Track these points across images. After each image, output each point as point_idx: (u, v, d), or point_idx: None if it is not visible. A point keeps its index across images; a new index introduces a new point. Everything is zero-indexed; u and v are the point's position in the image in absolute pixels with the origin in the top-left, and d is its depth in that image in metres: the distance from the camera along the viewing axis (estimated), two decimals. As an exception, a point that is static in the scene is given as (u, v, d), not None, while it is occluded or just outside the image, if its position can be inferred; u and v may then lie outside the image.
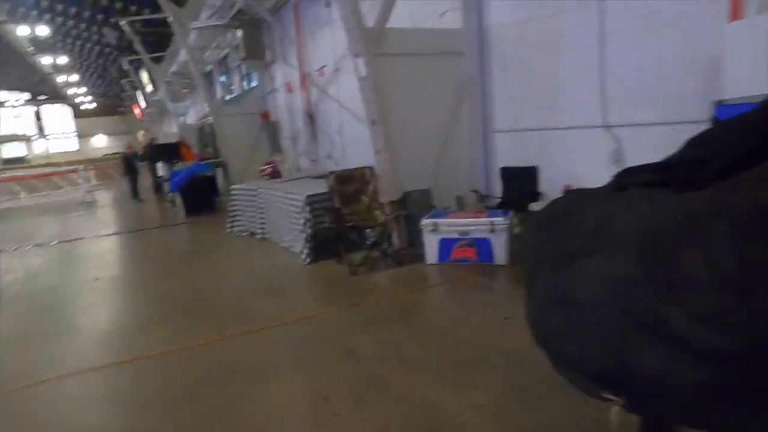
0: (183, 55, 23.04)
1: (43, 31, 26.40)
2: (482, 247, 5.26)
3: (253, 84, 16.94)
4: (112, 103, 48.32)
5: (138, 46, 21.28)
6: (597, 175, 5.32)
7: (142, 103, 32.66)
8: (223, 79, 20.22)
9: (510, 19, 6.19)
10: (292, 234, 6.57)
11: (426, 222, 5.51)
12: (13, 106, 49.91)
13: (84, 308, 5.35)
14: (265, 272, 5.96)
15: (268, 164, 8.61)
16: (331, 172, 6.10)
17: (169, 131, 27.34)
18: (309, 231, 6.07)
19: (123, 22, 21.01)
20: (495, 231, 5.18)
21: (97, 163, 22.45)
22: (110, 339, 4.45)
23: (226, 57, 19.33)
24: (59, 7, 24.55)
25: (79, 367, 3.79)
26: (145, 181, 15.83)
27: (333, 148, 11.27)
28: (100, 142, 52.67)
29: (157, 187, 15.05)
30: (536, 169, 6.02)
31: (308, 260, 6.08)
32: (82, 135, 52.97)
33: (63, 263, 7.75)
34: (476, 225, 5.26)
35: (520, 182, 6.11)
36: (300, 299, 5.01)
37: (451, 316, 4.13)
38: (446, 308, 4.35)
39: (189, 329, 4.35)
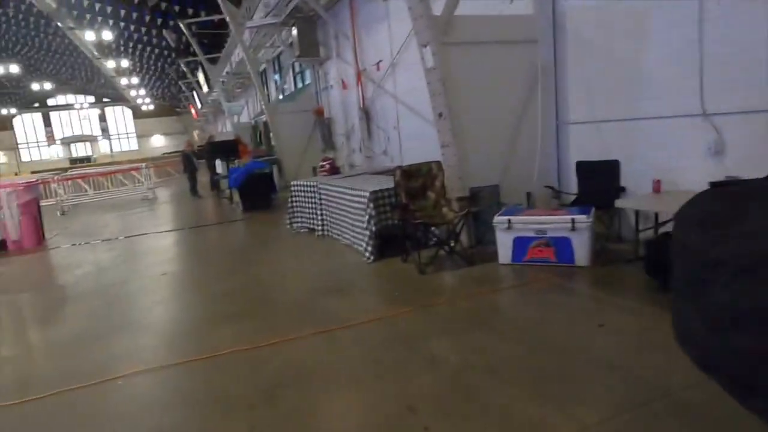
0: (237, 55, 23.55)
1: (107, 36, 27.61)
2: (561, 246, 4.88)
3: (307, 81, 16.98)
4: (170, 104, 50.15)
5: (195, 47, 21.77)
6: (693, 168, 4.91)
7: (198, 104, 33.62)
8: (276, 77, 20.41)
9: (588, 1, 5.75)
10: (355, 231, 6.38)
11: (499, 219, 5.17)
12: (80, 109, 52.69)
13: (153, 304, 5.35)
14: (330, 270, 5.79)
15: (326, 160, 8.49)
16: (398, 167, 5.85)
17: (223, 130, 28.01)
18: (373, 228, 5.86)
19: (181, 25, 21.59)
20: (576, 229, 4.78)
21: (156, 162, 23.20)
22: (181, 336, 4.38)
23: (279, 55, 19.49)
24: (122, 12, 25.62)
25: (151, 364, 3.72)
26: (203, 178, 16.17)
27: (389, 144, 11.06)
28: (158, 141, 54.79)
29: (215, 183, 15.33)
30: (617, 162, 5.56)
31: (372, 258, 5.87)
32: (142, 135, 55.32)
33: (129, 258, 7.90)
34: (555, 223, 4.88)
35: (599, 177, 5.67)
36: (369, 299, 4.80)
37: (536, 321, 3.80)
38: (529, 313, 4.01)
39: (259, 328, 4.22)
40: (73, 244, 9.34)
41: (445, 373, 3.14)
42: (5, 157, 50.34)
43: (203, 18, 22.10)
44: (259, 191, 10.98)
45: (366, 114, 11.83)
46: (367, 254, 5.92)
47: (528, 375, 3.00)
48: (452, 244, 5.55)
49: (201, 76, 26.78)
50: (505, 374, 3.04)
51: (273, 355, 3.67)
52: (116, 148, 54.67)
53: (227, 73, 24.62)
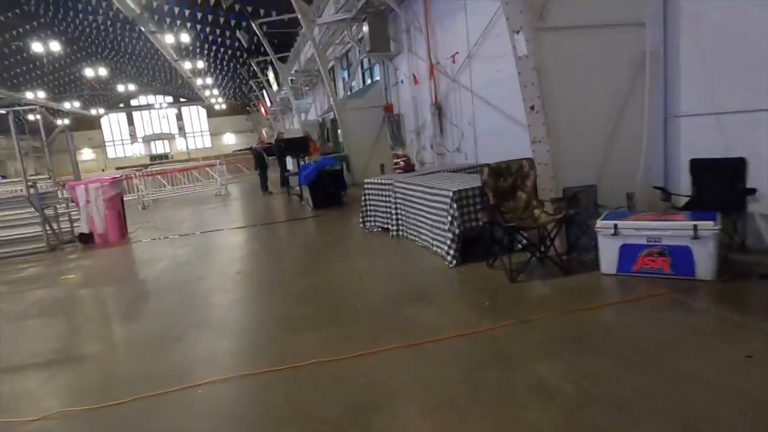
0: (306, 53, 23.74)
1: (185, 38, 28.80)
2: (679, 256, 4.24)
3: (376, 78, 16.75)
4: (240, 103, 51.95)
5: (266, 46, 22.17)
6: None
7: (268, 102, 34.43)
8: (344, 74, 20.37)
9: (710, -24, 5.01)
10: (434, 232, 5.98)
11: (604, 223, 4.59)
12: (160, 108, 55.74)
13: (231, 303, 5.21)
14: (409, 273, 5.43)
15: (400, 157, 8.16)
16: (485, 165, 5.38)
17: (291, 127, 28.47)
18: (456, 230, 5.43)
19: (254, 25, 22.04)
20: (699, 237, 4.12)
21: (228, 159, 23.88)
22: (259, 341, 4.17)
23: (348, 52, 19.42)
24: (198, 15, 26.61)
25: (230, 372, 3.50)
26: (273, 174, 16.35)
27: (463, 141, 10.56)
28: (229, 139, 56.95)
29: (285, 180, 15.44)
30: (743, 161, 4.80)
31: (454, 262, 5.45)
32: (214, 133, 57.73)
33: (205, 254, 7.93)
34: (674, 229, 4.24)
35: (720, 178, 4.93)
36: (457, 309, 4.38)
37: (663, 346, 3.23)
38: (651, 335, 3.44)
39: (340, 336, 3.92)
40: (153, 239, 9.58)
41: (560, 405, 2.67)
42: (94, 154, 54.18)
43: (274, 18, 22.48)
44: (330, 188, 10.83)
45: (438, 109, 11.38)
46: (449, 258, 5.50)
47: (668, 416, 2.48)
48: (545, 250, 5.02)
49: (271, 75, 27.33)
50: (638, 412, 2.53)
51: (357, 369, 3.34)
52: (191, 146, 57.41)
53: (296, 71, 24.93)
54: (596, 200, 5.45)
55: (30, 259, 8.90)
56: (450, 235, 5.49)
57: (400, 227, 7.20)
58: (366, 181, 7.90)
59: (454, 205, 5.44)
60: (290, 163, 13.06)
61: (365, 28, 13.49)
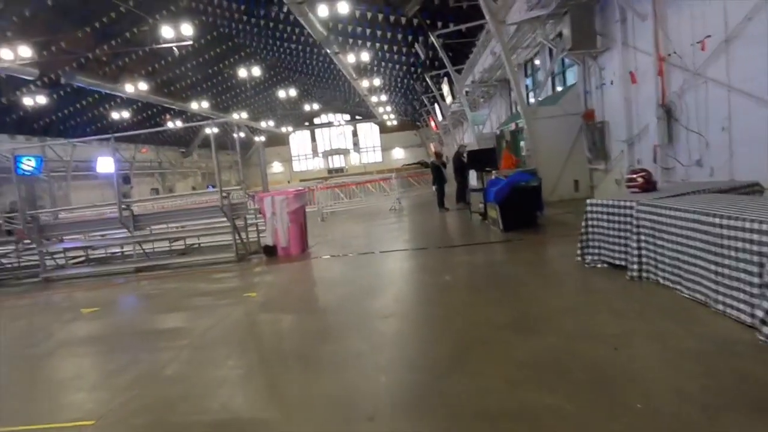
0: (483, 63, 22.34)
1: (364, 57, 29.68)
2: None
3: (569, 83, 14.56)
4: (410, 118, 52.77)
5: (444, 58, 21.30)
6: None
7: (439, 116, 33.82)
8: (528, 82, 18.42)
9: None
10: (725, 283, 3.93)
11: None
12: (338, 125, 59.62)
13: (433, 366, 3.82)
14: (699, 352, 3.47)
15: (636, 172, 6.11)
16: None
17: (463, 141, 27.23)
18: (784, 288, 3.35)
19: (432, 39, 21.38)
20: None
21: (400, 173, 23.54)
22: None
23: (534, 57, 17.46)
24: (378, 33, 27.07)
25: None
26: (448, 189, 15.13)
27: (707, 151, 7.99)
28: (398, 154, 58.24)
29: (462, 196, 14.11)
30: None
31: (778, 339, 3.37)
32: (385, 148, 59.68)
33: (387, 281, 6.86)
34: None
35: None
36: None
37: None
38: None
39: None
40: (332, 255, 8.94)
41: None
42: (282, 167, 59.98)
43: (451, 29, 21.58)
44: (524, 208, 9.10)
45: (667, 112, 8.91)
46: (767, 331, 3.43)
47: None
48: None
49: (445, 88, 26.49)
50: None
51: None
52: (364, 160, 60.15)
53: (471, 82, 23.66)
54: None
55: (220, 268, 8.88)
56: (770, 294, 3.43)
57: (644, 266, 5.20)
58: (590, 202, 6.03)
59: (782, 248, 3.37)
60: (473, 177, 11.70)
61: (565, 23, 11.50)
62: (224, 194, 9.04)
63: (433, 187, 15.33)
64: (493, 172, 10.82)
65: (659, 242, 4.96)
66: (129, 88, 27.77)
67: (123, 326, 6.03)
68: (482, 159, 11.81)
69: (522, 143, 15.65)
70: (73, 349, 5.26)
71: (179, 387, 3.87)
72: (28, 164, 28.40)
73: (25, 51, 20.50)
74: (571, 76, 14.87)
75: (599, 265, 5.90)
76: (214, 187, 34.49)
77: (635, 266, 5.27)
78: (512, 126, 18.12)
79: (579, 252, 6.14)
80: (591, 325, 4.19)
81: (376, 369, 3.83)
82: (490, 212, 10.27)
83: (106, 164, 34.51)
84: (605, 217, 5.80)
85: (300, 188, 11.92)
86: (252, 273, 8.36)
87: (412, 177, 27.07)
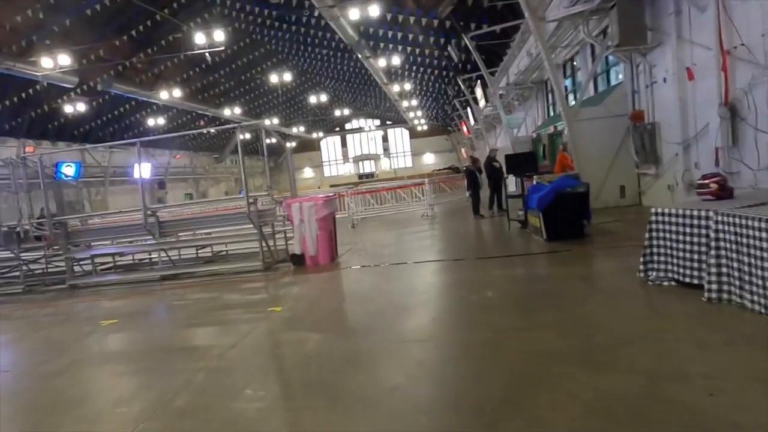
0: (518, 65, 21.53)
1: (395, 61, 29.20)
2: None
3: (613, 82, 13.67)
4: (441, 123, 52.03)
5: (477, 59, 20.56)
6: None
7: (471, 120, 33.03)
8: (567, 83, 17.52)
9: None
10: None
11: None
12: (368, 131, 59.37)
13: (483, 402, 3.23)
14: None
15: (709, 177, 5.34)
16: None
17: (496, 145, 26.37)
18: None
19: (465, 40, 20.70)
20: None
21: (433, 178, 22.85)
22: None
23: (573, 57, 16.58)
24: (410, 36, 26.54)
25: None
26: (483, 195, 14.40)
27: (783, 154, 7.09)
28: (429, 159, 57.53)
29: (492, 202, 13.39)
30: None
31: None
32: (415, 153, 59.10)
33: (423, 297, 6.24)
34: None
35: None
36: None
37: None
38: None
39: None
40: (362, 266, 8.39)
41: None
42: (313, 173, 60.11)
43: (484, 30, 20.84)
44: (569, 216, 8.34)
45: (732, 111, 8.03)
46: None
47: None
48: None
49: (479, 91, 25.73)
50: None
51: None
52: (394, 165, 59.69)
53: (506, 84, 22.84)
54: None
55: (245, 278, 8.45)
56: None
57: (725, 287, 4.44)
58: (655, 211, 5.27)
59: None
60: (512, 182, 10.95)
61: (612, 18, 10.69)
62: (251, 200, 8.62)
63: (467, 193, 14.65)
64: (535, 177, 10.07)
65: (745, 259, 4.20)
66: (164, 95, 28.09)
67: (139, 342, 5.61)
68: (522, 163, 11.06)
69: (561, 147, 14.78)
70: (82, 370, 4.85)
71: (188, 423, 3.36)
72: (69, 170, 28.99)
73: (65, 59, 20.88)
74: (616, 76, 13.96)
75: (666, 283, 5.14)
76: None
77: (714, 286, 4.50)
78: (550, 129, 17.25)
79: (641, 267, 5.39)
80: (672, 360, 3.47)
81: (413, 408, 3.23)
82: (531, 220, 9.53)
83: (142, 170, 35.17)
84: (674, 228, 5.04)
85: (329, 194, 11.44)
86: (278, 284, 7.89)
87: (444, 182, 26.36)
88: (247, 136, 36.23)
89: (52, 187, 9.74)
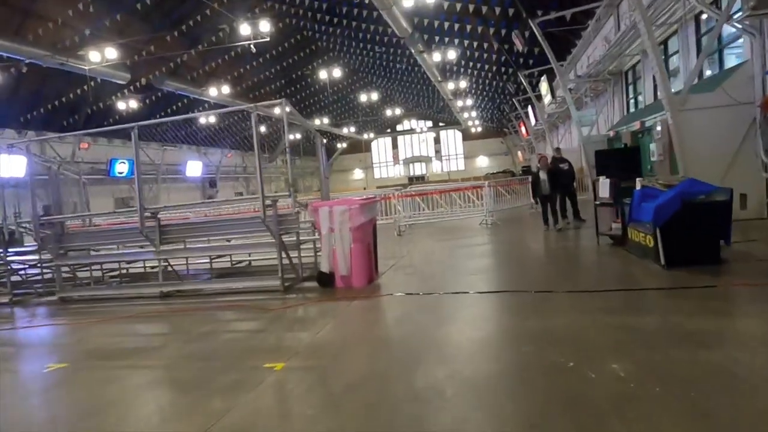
0: (591, 55, 18.68)
1: (451, 55, 26.79)
2: None
3: (729, 64, 10.75)
4: (496, 125, 48.97)
5: (546, 49, 17.84)
6: None
7: (532, 120, 30.05)
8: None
9: None
10: None
11: None
12: (420, 132, 57.05)
13: None
14: None
15: None
16: None
17: (559, 146, 23.41)
18: None
19: (532, 26, 18.03)
20: None
21: (494, 181, 20.25)
22: None
23: (666, 39, 13.64)
24: (468, 27, 24.02)
25: None
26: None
27: None
28: (482, 162, 54.43)
29: (564, 210, 10.80)
30: None
31: None
32: (468, 156, 56.16)
33: (501, 360, 3.96)
34: None
35: None
36: None
37: None
38: None
39: None
40: (408, 293, 6.16)
41: None
42: (363, 174, 58.42)
43: (552, 16, 18.07)
44: (700, 234, 5.78)
45: None
46: None
47: None
48: None
49: (544, 86, 22.87)
50: None
51: None
52: (445, 168, 57.06)
53: (577, 76, 19.97)
54: None
55: (258, 301, 6.44)
56: None
57: None
58: None
59: None
60: (604, 187, 8.40)
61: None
62: (268, 202, 6.62)
63: (532, 200, 12.09)
64: (641, 179, 7.48)
65: None
66: (213, 92, 27.10)
67: (63, 416, 3.66)
68: (619, 162, 8.45)
69: (652, 147, 11.88)
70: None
71: None
72: (122, 167, 28.49)
73: (114, 54, 20.10)
74: (731, 57, 11.01)
75: None
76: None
77: None
78: (635, 125, 14.33)
79: None
80: None
81: None
82: (634, 236, 6.98)
83: (194, 168, 34.61)
84: None
85: (369, 196, 9.31)
86: (292, 318, 5.81)
87: (502, 186, 23.69)
88: (298, 136, 34.83)
89: (51, 184, 8.17)
